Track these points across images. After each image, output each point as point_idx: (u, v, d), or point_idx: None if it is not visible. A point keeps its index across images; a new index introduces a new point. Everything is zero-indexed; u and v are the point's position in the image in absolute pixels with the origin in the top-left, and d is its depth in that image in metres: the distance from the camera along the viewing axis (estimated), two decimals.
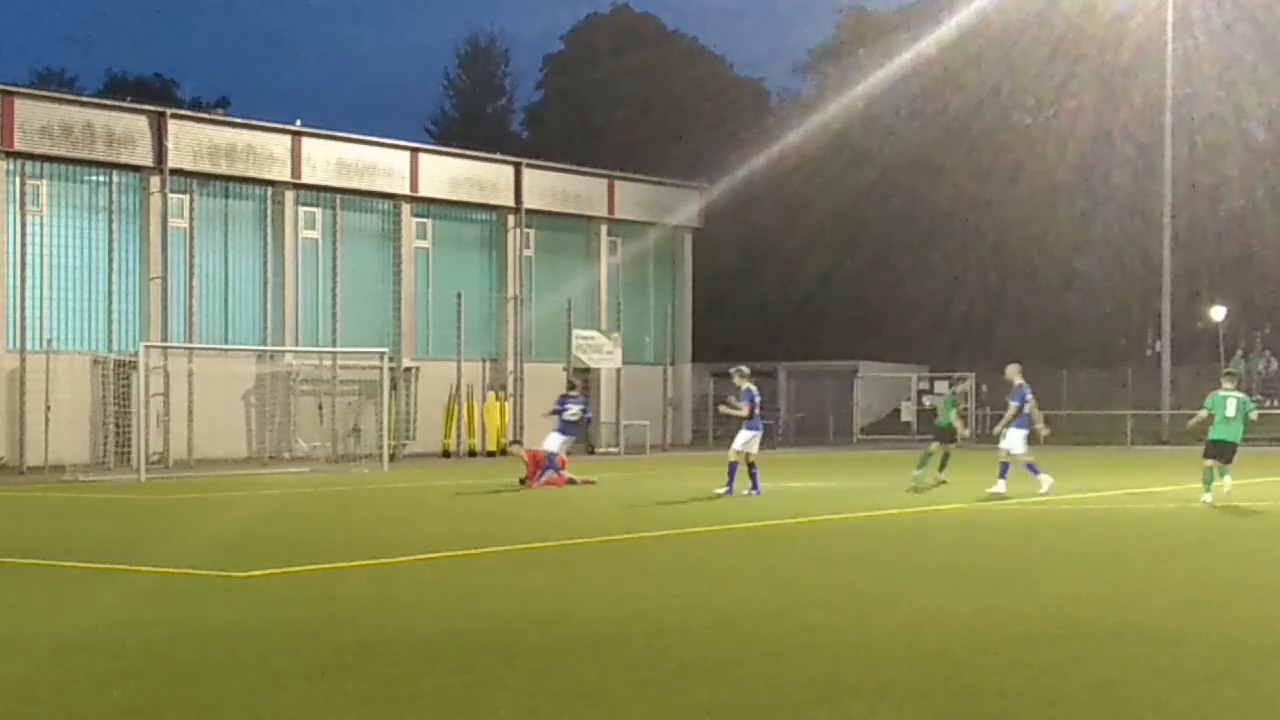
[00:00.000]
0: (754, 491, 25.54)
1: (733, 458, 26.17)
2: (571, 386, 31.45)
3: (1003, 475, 25.95)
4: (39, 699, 8.80)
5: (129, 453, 37.17)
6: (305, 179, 44.59)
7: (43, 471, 36.77)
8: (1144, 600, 12.74)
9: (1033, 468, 26.18)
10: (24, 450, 38.42)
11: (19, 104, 39.57)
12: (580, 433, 29.80)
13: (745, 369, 27.17)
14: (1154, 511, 22.57)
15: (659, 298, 55.58)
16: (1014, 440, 26.32)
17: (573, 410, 30.14)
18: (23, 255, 39.15)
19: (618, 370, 51.85)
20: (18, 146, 39.01)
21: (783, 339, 67.60)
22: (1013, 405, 26.59)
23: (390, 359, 42.45)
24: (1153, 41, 57.80)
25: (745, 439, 26.17)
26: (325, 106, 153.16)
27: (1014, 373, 27.11)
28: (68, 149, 39.89)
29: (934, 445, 29.83)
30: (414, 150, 48.56)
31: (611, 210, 53.26)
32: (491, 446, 47.18)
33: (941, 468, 29.29)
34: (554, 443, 29.84)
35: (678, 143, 71.24)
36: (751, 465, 26.24)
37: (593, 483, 29.77)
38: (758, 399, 26.43)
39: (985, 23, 63.69)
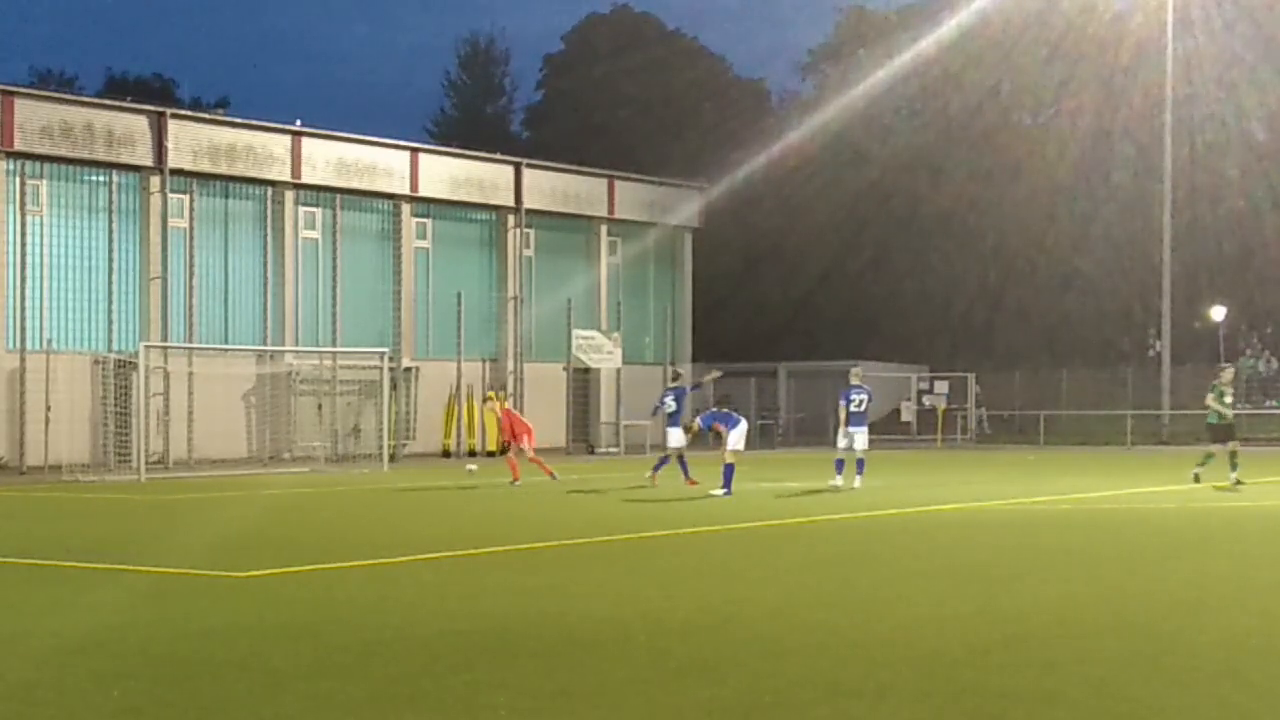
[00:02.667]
0: (725, 491, 25.79)
1: (729, 459, 26.26)
2: (675, 377, 30.92)
3: (859, 471, 27.65)
4: (39, 699, 8.80)
5: (129, 453, 37.16)
6: (305, 179, 44.60)
7: (43, 471, 36.77)
8: (1144, 600, 12.74)
9: (840, 465, 27.81)
10: (24, 450, 38.43)
11: (19, 104, 39.58)
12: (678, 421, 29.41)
13: (681, 436, 28.88)
14: (1154, 511, 22.56)
15: (659, 298, 55.58)
16: (858, 438, 27.74)
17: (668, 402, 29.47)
18: (23, 255, 39.16)
19: (618, 370, 51.85)
20: (18, 146, 39.01)
21: (783, 339, 67.57)
22: (840, 405, 28.23)
23: (390, 359, 42.45)
24: (1153, 41, 57.78)
25: (736, 438, 26.43)
26: (325, 106, 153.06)
27: (852, 375, 28.82)
28: (68, 149, 39.90)
29: (1215, 446, 29.14)
30: (414, 150, 48.56)
31: (611, 210, 53.25)
32: (491, 447, 47.19)
33: (1233, 468, 28.30)
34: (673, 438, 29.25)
35: (678, 143, 71.21)
36: (683, 460, 28.55)
37: (554, 477, 29.71)
38: (724, 409, 27.83)
39: (985, 23, 63.67)
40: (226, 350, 42.54)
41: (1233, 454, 28.46)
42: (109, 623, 11.61)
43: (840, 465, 27.75)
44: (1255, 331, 62.10)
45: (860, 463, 27.69)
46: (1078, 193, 65.62)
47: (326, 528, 21.21)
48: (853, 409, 27.80)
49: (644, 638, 10.76)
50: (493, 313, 49.76)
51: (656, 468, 28.99)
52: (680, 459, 28.79)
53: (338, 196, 45.59)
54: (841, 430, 27.85)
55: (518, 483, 29.68)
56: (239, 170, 43.18)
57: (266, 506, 25.41)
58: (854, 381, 28.40)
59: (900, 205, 68.52)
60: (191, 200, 42.49)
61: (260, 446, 42.48)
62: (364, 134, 47.12)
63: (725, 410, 27.68)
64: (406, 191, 47.13)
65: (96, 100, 44.43)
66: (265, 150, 43.83)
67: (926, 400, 60.40)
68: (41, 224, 39.70)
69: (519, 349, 49.88)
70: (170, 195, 41.72)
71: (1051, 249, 64.98)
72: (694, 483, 27.87)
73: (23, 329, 38.92)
